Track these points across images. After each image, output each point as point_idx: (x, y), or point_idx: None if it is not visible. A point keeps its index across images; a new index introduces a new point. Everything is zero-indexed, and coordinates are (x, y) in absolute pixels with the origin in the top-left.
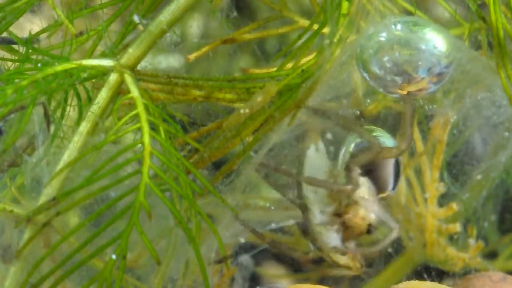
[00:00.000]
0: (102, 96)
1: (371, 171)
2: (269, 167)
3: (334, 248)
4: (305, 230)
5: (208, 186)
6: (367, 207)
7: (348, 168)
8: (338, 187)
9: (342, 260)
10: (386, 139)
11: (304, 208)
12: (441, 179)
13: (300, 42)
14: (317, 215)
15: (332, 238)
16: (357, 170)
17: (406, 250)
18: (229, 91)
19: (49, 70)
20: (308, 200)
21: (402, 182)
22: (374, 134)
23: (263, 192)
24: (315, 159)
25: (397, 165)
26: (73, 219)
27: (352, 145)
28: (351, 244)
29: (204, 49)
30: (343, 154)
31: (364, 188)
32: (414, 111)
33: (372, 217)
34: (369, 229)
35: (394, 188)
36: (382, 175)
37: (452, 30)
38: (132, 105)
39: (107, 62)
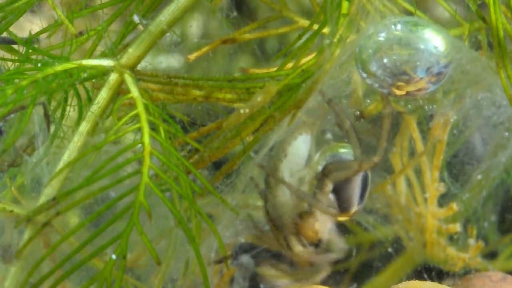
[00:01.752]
0: (102, 96)
1: (336, 189)
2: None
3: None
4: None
5: (208, 186)
6: (323, 223)
7: (322, 181)
8: (308, 198)
9: (297, 247)
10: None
11: (272, 187)
12: (441, 179)
13: (300, 42)
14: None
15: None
16: (329, 187)
17: (406, 250)
18: (229, 91)
19: (49, 70)
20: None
21: (402, 182)
22: (343, 150)
23: None
24: (300, 148)
25: (365, 179)
26: (73, 219)
27: (328, 155)
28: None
29: (204, 49)
30: (317, 160)
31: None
32: (390, 126)
33: (324, 234)
34: (317, 244)
35: (360, 203)
36: (346, 193)
37: (452, 30)
38: (132, 105)
39: (107, 62)
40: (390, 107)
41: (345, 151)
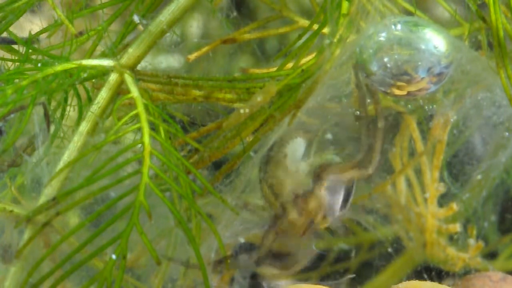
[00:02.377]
0: (102, 96)
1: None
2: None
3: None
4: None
5: (208, 186)
6: (321, 205)
7: (318, 177)
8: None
9: (292, 214)
10: None
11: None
12: (441, 179)
13: (300, 42)
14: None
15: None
16: (324, 184)
17: (406, 250)
18: (229, 91)
19: (49, 70)
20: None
21: (402, 182)
22: (335, 157)
23: None
24: (296, 149)
25: (348, 188)
26: (73, 219)
27: (323, 159)
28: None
29: (204, 49)
30: (313, 161)
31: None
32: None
33: (317, 216)
34: (309, 223)
35: (342, 210)
36: (328, 200)
37: (452, 30)
38: (132, 105)
39: (107, 62)
40: (382, 121)
41: (337, 158)
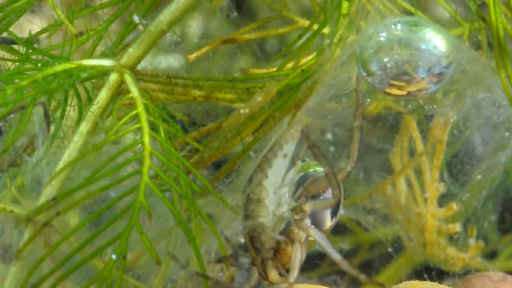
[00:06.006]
0: (102, 96)
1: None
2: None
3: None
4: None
5: (208, 186)
6: (297, 252)
7: (299, 207)
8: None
9: (272, 274)
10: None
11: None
12: (441, 179)
13: (300, 42)
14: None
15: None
16: (307, 212)
17: (406, 250)
18: (229, 91)
19: (49, 70)
20: (265, 193)
21: (402, 182)
22: (311, 169)
23: None
24: (280, 165)
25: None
26: (73, 219)
27: (298, 175)
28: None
29: (204, 49)
30: (292, 181)
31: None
32: (362, 132)
33: (295, 262)
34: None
35: (333, 219)
36: (318, 213)
37: (452, 30)
38: (132, 105)
39: (107, 62)
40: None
41: (315, 170)
